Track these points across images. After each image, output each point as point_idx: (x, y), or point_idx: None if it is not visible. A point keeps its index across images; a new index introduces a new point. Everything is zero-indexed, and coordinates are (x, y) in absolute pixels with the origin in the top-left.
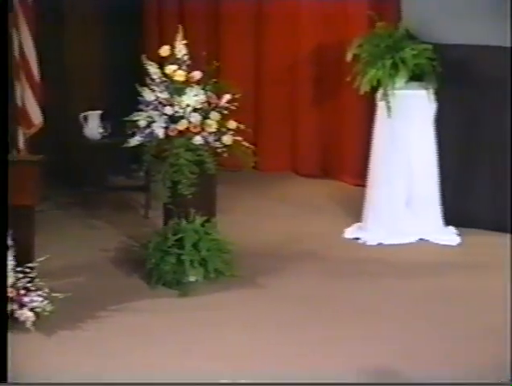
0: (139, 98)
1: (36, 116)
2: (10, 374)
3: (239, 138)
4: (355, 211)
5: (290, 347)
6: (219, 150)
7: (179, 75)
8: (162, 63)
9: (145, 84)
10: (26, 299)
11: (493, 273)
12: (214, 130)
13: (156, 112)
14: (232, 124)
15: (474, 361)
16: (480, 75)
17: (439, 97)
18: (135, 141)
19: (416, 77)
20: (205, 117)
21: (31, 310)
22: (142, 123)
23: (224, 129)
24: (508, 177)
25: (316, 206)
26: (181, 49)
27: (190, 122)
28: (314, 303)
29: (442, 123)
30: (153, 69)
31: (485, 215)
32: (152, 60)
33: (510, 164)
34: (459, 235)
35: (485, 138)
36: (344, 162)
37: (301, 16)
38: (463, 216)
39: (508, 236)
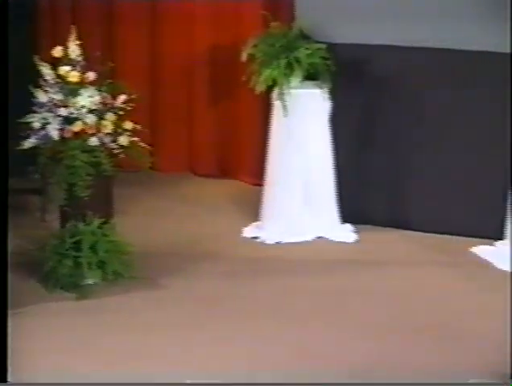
0: (33, 100)
1: None
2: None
3: (136, 139)
4: (253, 211)
5: (187, 347)
6: (115, 151)
7: (73, 76)
8: (55, 63)
9: (39, 86)
10: None
11: (388, 269)
12: (110, 131)
13: (51, 114)
14: (128, 124)
15: (370, 360)
16: (373, 74)
17: (334, 96)
18: (30, 143)
19: (311, 76)
20: (101, 118)
21: None
22: (37, 125)
23: (120, 130)
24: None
25: (215, 205)
26: (74, 50)
27: (85, 123)
28: (214, 303)
29: (337, 122)
30: (46, 70)
31: (380, 212)
32: (45, 61)
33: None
34: (355, 232)
35: (379, 137)
36: (242, 161)
37: (196, 17)
38: (359, 214)
39: (402, 232)
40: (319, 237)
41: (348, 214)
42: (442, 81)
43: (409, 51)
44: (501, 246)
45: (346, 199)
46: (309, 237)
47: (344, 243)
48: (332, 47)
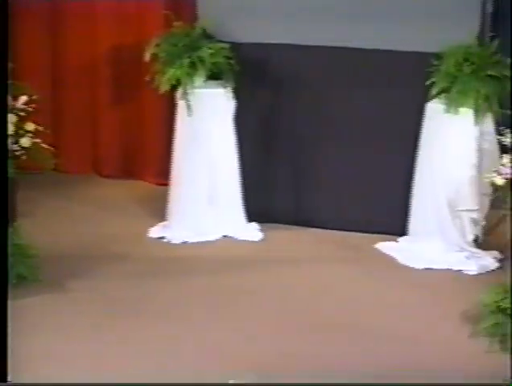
0: None
1: None
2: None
3: (38, 140)
4: (159, 211)
5: (95, 348)
6: (17, 153)
7: None
8: None
9: None
10: None
11: (294, 266)
12: (11, 133)
13: None
14: (30, 126)
15: (281, 358)
16: (277, 73)
17: (238, 95)
18: None
19: (215, 76)
20: None
21: None
22: None
23: (22, 132)
24: (306, 171)
25: (121, 206)
26: None
27: None
28: (122, 304)
29: (241, 121)
30: None
31: (285, 210)
32: None
33: None
34: (261, 231)
35: (282, 136)
36: (147, 161)
37: (98, 16)
38: (264, 212)
39: (307, 229)
40: (224, 236)
41: (254, 213)
42: (344, 80)
43: (312, 50)
44: (404, 242)
45: (251, 198)
46: (215, 237)
47: (250, 241)
48: (235, 47)
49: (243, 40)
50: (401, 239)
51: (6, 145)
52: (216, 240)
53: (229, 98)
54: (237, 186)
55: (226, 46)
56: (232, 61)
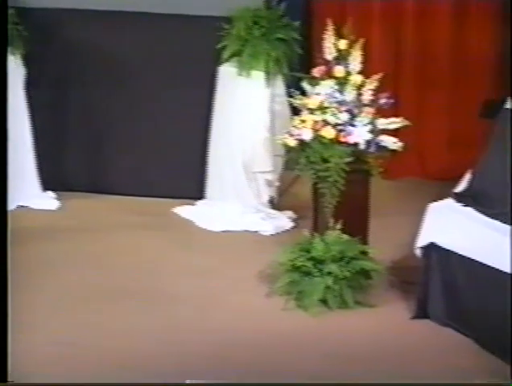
0: None
1: None
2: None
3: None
4: None
5: None
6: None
7: None
8: None
9: None
10: None
11: (92, 234)
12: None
13: None
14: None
15: (81, 328)
16: (68, 39)
17: (29, 62)
18: None
19: None
20: None
21: None
22: None
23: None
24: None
25: None
26: None
27: None
28: None
29: (33, 88)
30: None
31: (81, 178)
32: None
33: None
34: (58, 199)
35: (76, 103)
36: None
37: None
38: (60, 181)
39: (105, 196)
40: (21, 206)
41: (49, 181)
42: (137, 45)
43: (103, 15)
44: (201, 205)
45: (46, 166)
46: (9, 207)
47: (47, 210)
48: (23, 12)
49: (33, 5)
50: (198, 202)
51: (5, 145)
52: (11, 211)
53: (18, 65)
54: (30, 154)
55: (12, 11)
56: (20, 27)
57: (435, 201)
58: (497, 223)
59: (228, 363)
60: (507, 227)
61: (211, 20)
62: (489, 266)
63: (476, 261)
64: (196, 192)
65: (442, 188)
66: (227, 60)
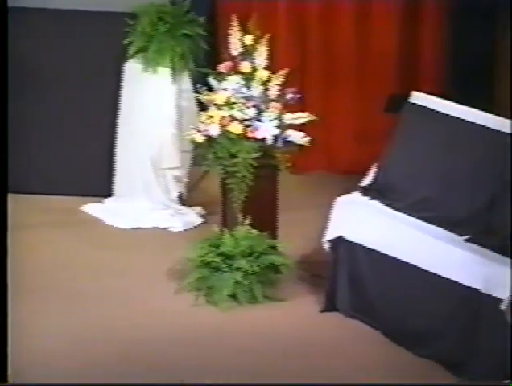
0: None
1: None
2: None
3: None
4: None
5: None
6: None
7: None
8: None
9: None
10: None
11: None
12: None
13: None
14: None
15: None
16: None
17: None
18: None
19: None
20: None
21: None
22: None
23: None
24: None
25: None
26: None
27: None
28: None
29: None
30: None
31: None
32: None
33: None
34: None
35: None
36: None
37: None
38: None
39: (12, 195)
40: None
41: None
42: (42, 41)
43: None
44: (110, 203)
45: None
46: None
47: None
48: None
49: None
50: (107, 200)
51: (5, 145)
52: None
53: None
54: None
55: None
56: None
57: (342, 195)
58: (402, 215)
59: (137, 362)
60: (412, 219)
61: (116, 16)
62: (394, 258)
63: (382, 254)
64: (104, 189)
65: (349, 182)
66: (133, 56)
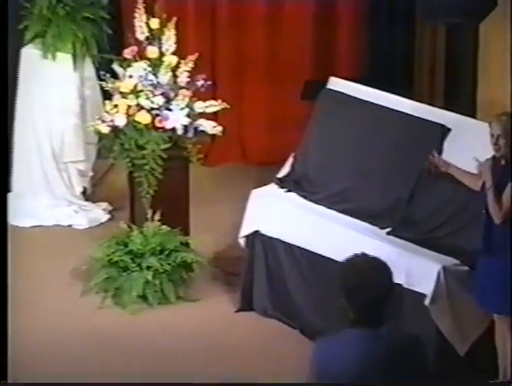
0: None
1: None
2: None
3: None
4: None
5: None
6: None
7: None
8: None
9: None
10: None
11: None
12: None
13: None
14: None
15: None
16: None
17: None
18: None
19: None
20: None
21: None
22: None
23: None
24: None
25: None
26: None
27: None
28: None
29: None
30: None
31: None
32: None
33: None
34: None
35: None
36: None
37: None
38: None
39: None
40: None
41: None
42: None
43: None
44: (9, 200)
45: None
46: None
47: None
48: None
49: None
50: None
51: (6, 146)
52: None
53: None
54: None
55: None
56: None
57: (258, 187)
58: (320, 208)
59: (40, 364)
60: (331, 212)
61: None
62: (314, 253)
63: (301, 249)
64: None
65: (265, 173)
66: (30, 42)
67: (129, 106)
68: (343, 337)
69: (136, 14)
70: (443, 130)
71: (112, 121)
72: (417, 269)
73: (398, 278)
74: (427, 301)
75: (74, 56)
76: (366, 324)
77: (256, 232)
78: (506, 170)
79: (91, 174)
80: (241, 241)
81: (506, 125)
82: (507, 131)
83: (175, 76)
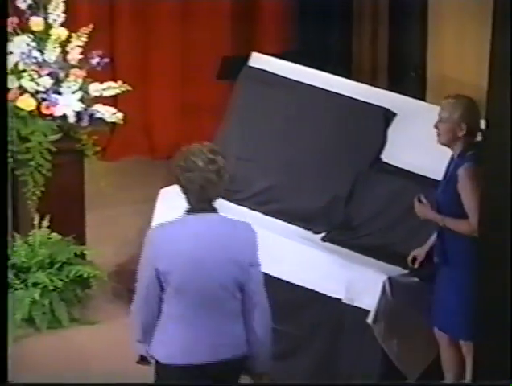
0: None
1: None
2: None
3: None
4: None
5: None
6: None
7: None
8: None
9: None
10: None
11: None
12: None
13: None
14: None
15: None
16: None
17: None
18: None
19: None
20: None
21: None
22: None
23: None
24: None
25: None
26: None
27: None
28: None
29: None
30: None
31: None
32: None
33: None
34: None
35: None
36: None
37: None
38: None
39: None
40: None
41: None
42: None
43: None
44: None
45: None
46: None
47: None
48: None
49: None
50: None
51: (6, 146)
52: None
53: None
54: None
55: None
56: None
57: (167, 185)
58: (242, 209)
59: None
60: (255, 214)
61: None
62: None
63: None
64: None
65: None
66: None
67: (8, 89)
68: (181, 221)
69: None
70: (388, 115)
71: None
72: (359, 281)
73: (337, 292)
74: (369, 320)
75: None
76: (201, 211)
77: None
78: (456, 164)
79: None
80: None
81: (452, 110)
82: (451, 117)
83: (65, 53)
